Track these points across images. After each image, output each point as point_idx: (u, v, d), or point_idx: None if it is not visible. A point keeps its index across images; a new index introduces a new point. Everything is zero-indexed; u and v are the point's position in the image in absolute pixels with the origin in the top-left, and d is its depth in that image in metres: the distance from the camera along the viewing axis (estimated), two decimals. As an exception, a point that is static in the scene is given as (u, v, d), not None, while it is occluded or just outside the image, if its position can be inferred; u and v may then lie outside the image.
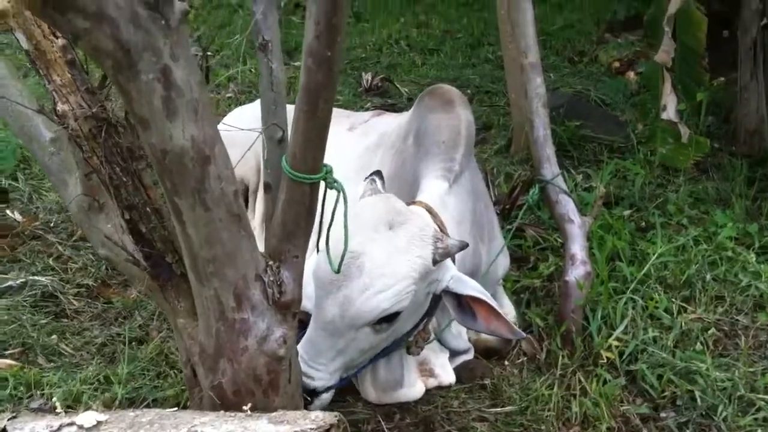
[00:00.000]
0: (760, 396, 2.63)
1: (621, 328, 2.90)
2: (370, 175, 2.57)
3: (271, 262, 2.03)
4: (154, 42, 1.58)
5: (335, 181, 2.00)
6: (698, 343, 2.87)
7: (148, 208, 1.98)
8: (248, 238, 1.95)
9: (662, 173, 4.32)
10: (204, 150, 1.75)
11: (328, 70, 1.80)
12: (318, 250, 2.18)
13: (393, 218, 2.33)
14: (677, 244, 3.38)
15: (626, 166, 4.21)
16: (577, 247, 2.92)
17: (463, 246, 2.33)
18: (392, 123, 3.12)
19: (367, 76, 5.97)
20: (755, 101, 4.47)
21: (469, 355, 2.88)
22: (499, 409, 2.68)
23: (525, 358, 2.94)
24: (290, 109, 1.95)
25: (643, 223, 3.82)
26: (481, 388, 2.80)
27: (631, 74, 5.96)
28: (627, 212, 3.82)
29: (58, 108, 1.86)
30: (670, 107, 4.19)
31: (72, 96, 1.85)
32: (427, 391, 2.74)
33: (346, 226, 2.08)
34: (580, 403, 2.61)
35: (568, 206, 2.99)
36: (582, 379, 2.72)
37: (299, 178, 1.92)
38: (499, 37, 4.69)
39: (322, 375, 2.35)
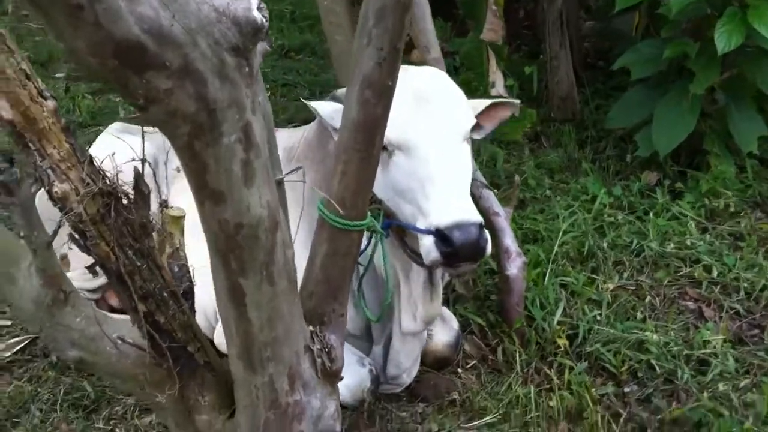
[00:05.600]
0: (704, 351, 2.77)
1: (560, 311, 2.91)
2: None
3: (313, 328, 1.75)
4: (238, 95, 1.26)
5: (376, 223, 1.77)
6: (638, 312, 2.96)
7: (165, 293, 1.60)
8: (299, 304, 1.66)
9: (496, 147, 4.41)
10: (276, 215, 1.45)
11: (388, 102, 1.56)
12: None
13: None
14: (572, 220, 3.45)
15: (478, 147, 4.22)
16: (509, 240, 2.87)
17: None
18: (293, 136, 2.83)
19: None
20: (565, 68, 4.70)
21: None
22: (479, 422, 2.57)
23: (475, 361, 2.86)
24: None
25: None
26: (451, 404, 2.67)
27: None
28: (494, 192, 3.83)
29: (55, 189, 1.42)
30: (498, 84, 4.27)
31: (72, 171, 1.43)
32: (400, 418, 2.59)
33: (387, 272, 1.85)
34: (560, 397, 2.58)
35: (490, 199, 2.93)
36: (548, 372, 2.70)
37: (349, 227, 1.66)
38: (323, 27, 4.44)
39: (474, 208, 2.13)
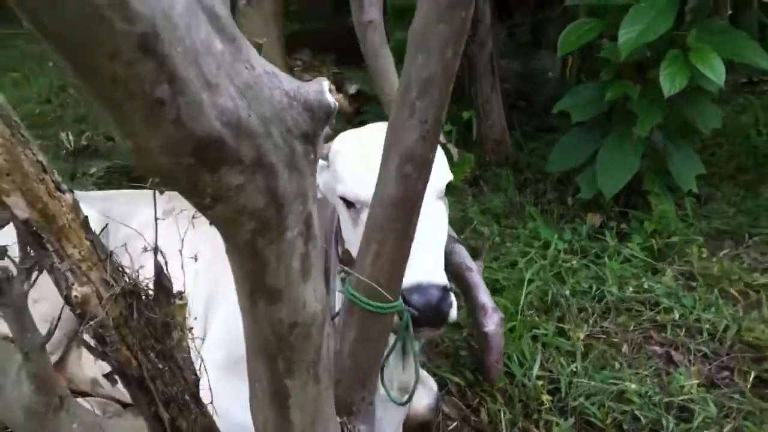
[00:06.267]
0: (684, 398, 2.77)
1: (537, 365, 2.85)
2: None
3: (341, 419, 1.61)
4: (304, 185, 1.14)
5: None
6: (613, 362, 2.93)
7: (187, 396, 1.44)
8: (332, 397, 1.53)
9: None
10: (326, 308, 1.32)
11: (428, 176, 1.46)
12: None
13: None
14: (533, 269, 3.42)
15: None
16: (484, 295, 2.79)
17: None
18: None
19: (62, 135, 5.12)
20: (497, 111, 4.72)
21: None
22: (472, 489, 2.48)
23: (456, 423, 2.76)
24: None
25: (464, 249, 3.82)
26: (440, 471, 2.56)
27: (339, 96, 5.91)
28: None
29: (75, 293, 1.25)
30: (437, 129, 4.24)
31: (93, 271, 1.26)
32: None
33: (414, 351, 1.73)
34: (554, 458, 2.51)
35: (462, 254, 2.84)
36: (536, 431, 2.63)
37: (383, 310, 1.54)
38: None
39: (440, 270, 1.92)
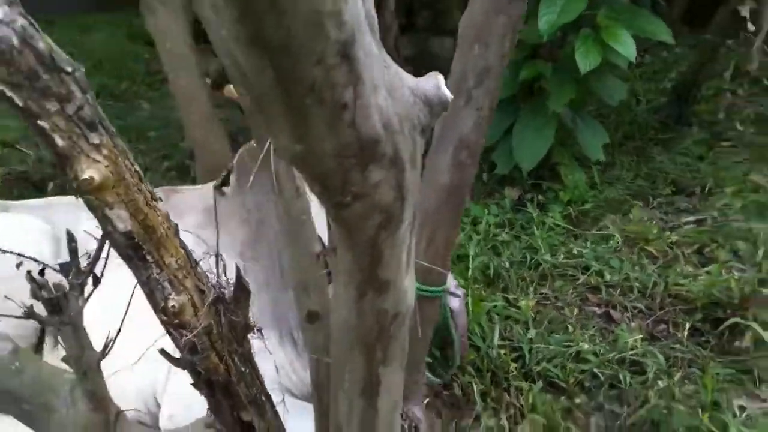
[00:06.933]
0: (632, 352, 2.97)
1: (497, 335, 2.98)
2: None
3: (396, 404, 1.65)
4: (417, 178, 1.17)
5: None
6: (566, 325, 3.10)
7: (263, 397, 1.45)
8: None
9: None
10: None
11: (478, 161, 1.52)
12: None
13: None
14: (475, 243, 3.54)
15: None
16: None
17: None
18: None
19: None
20: (403, 94, 4.80)
21: None
22: (459, 462, 2.57)
23: (429, 400, 2.83)
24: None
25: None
26: (425, 447, 2.63)
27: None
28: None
29: (171, 304, 1.23)
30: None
31: (188, 279, 1.24)
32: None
33: (453, 331, 1.79)
34: (532, 422, 2.64)
35: (420, 236, 2.92)
36: (512, 399, 2.75)
37: (436, 293, 1.60)
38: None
39: None
